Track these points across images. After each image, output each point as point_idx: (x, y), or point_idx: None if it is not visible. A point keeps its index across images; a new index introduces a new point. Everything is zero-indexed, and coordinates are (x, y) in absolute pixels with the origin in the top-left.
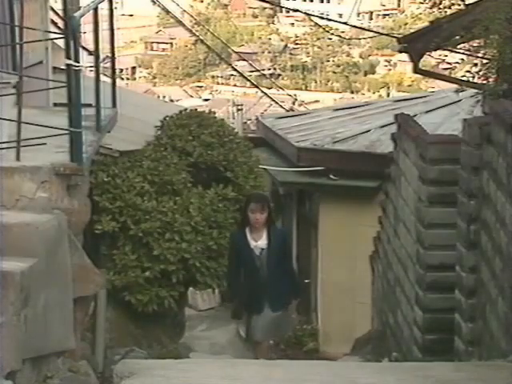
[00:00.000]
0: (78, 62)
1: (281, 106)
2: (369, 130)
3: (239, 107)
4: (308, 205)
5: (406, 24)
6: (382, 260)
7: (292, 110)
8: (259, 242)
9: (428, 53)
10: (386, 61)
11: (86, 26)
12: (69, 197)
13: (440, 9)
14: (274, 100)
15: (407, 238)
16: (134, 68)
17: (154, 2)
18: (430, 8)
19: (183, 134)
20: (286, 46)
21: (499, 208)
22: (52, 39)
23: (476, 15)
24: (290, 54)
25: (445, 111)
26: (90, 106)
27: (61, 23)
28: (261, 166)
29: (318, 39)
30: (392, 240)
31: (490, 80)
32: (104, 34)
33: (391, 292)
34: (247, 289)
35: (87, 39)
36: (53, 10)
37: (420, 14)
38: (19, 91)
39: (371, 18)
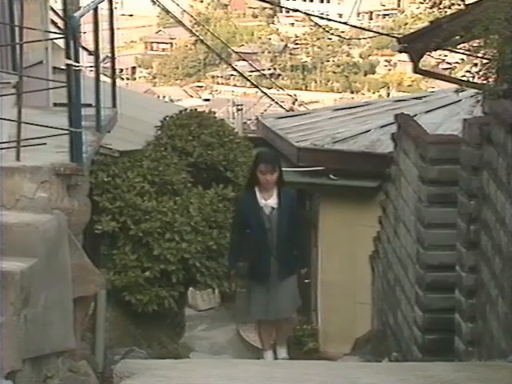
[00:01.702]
0: (78, 62)
1: (281, 106)
2: (369, 130)
3: (239, 107)
4: (308, 205)
5: (406, 24)
6: (382, 260)
7: (292, 109)
8: (269, 201)
9: (428, 53)
10: (386, 61)
11: (86, 26)
12: (69, 197)
13: (440, 9)
14: (274, 100)
15: (407, 237)
16: (134, 68)
17: (154, 2)
18: (430, 8)
19: (183, 134)
20: (285, 45)
21: (499, 208)
22: (52, 39)
23: (476, 15)
24: (290, 54)
25: (445, 111)
26: (90, 105)
27: (61, 23)
28: None
29: (318, 39)
30: (392, 240)
31: (490, 80)
32: (104, 34)
33: (391, 292)
34: (253, 254)
35: (87, 39)
36: (53, 10)
37: (420, 13)
38: (19, 91)
39: (371, 18)
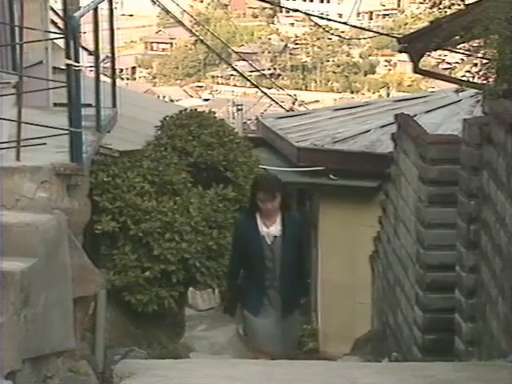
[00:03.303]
0: (78, 62)
1: (281, 106)
2: (369, 130)
3: (239, 107)
4: (308, 205)
5: (406, 24)
6: (382, 260)
7: (292, 109)
8: (271, 229)
9: (428, 53)
10: (386, 61)
11: (86, 26)
12: (69, 197)
13: (440, 9)
14: (274, 100)
15: (407, 237)
16: (134, 68)
17: (154, 2)
18: (430, 8)
19: (183, 134)
20: (285, 45)
21: (499, 208)
22: (52, 39)
23: (476, 15)
24: (290, 54)
25: (445, 111)
26: (90, 105)
27: (61, 23)
28: (261, 166)
29: (318, 39)
30: (392, 240)
31: (490, 80)
32: (104, 34)
33: (391, 292)
34: (253, 285)
35: (87, 39)
36: (53, 10)
37: (420, 13)
38: (19, 91)
39: (371, 18)
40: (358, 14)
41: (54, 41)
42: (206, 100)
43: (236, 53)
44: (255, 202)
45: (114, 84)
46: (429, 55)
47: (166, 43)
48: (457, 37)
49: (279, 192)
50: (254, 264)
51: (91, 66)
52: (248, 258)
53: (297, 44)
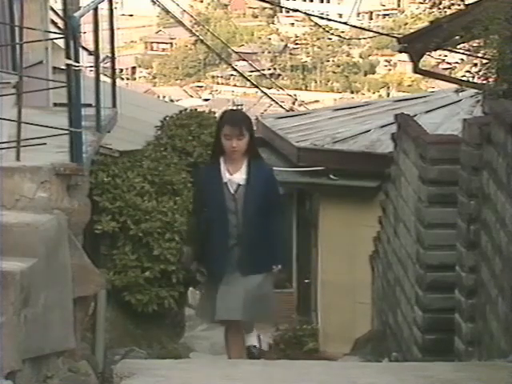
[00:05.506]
0: (78, 62)
1: (281, 106)
2: (369, 130)
3: (239, 107)
4: (308, 205)
5: (406, 24)
6: (382, 260)
7: (292, 109)
8: (235, 176)
9: (428, 53)
10: (386, 61)
11: (86, 26)
12: (69, 197)
13: (440, 9)
14: (274, 100)
15: (407, 237)
16: (134, 68)
17: (154, 2)
18: (430, 8)
19: (183, 134)
20: (285, 45)
21: (499, 208)
22: (52, 39)
23: (476, 15)
24: (290, 54)
25: (445, 111)
26: (90, 106)
27: (61, 23)
28: None
29: (318, 39)
30: (392, 240)
31: (490, 80)
32: (104, 34)
33: (391, 292)
34: (211, 241)
35: (87, 39)
36: (53, 10)
37: (420, 14)
38: (19, 91)
39: (371, 18)
40: (358, 14)
41: (54, 41)
42: (206, 100)
43: (236, 53)
44: (220, 143)
45: (113, 84)
46: (429, 55)
47: (166, 43)
48: (457, 37)
49: (248, 130)
50: (214, 216)
51: (91, 66)
52: (208, 211)
53: (297, 44)
